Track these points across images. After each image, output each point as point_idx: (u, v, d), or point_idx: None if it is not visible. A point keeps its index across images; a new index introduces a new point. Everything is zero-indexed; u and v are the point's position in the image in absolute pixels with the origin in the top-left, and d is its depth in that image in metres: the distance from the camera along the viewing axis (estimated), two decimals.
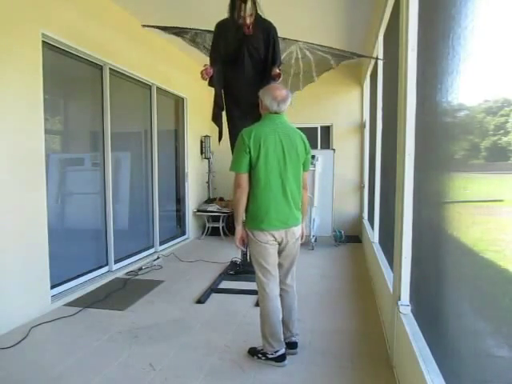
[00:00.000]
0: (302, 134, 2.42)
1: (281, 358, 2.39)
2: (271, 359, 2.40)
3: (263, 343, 2.44)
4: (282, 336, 2.42)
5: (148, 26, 3.76)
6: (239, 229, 2.39)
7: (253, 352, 2.50)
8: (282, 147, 2.29)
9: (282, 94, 2.32)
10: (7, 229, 2.91)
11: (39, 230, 3.21)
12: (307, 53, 3.80)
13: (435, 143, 1.91)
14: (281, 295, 2.47)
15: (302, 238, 2.54)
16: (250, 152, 2.25)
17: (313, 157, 5.83)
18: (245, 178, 2.28)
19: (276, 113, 2.34)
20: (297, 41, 3.66)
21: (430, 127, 1.98)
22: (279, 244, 2.38)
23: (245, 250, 2.45)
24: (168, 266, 4.75)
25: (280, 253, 2.42)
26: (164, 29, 3.72)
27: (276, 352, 2.38)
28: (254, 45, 3.24)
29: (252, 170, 2.28)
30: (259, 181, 2.27)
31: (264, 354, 2.43)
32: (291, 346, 2.53)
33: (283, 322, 2.49)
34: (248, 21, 3.17)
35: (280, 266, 2.46)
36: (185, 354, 2.56)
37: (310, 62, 3.95)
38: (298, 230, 2.42)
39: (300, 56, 3.85)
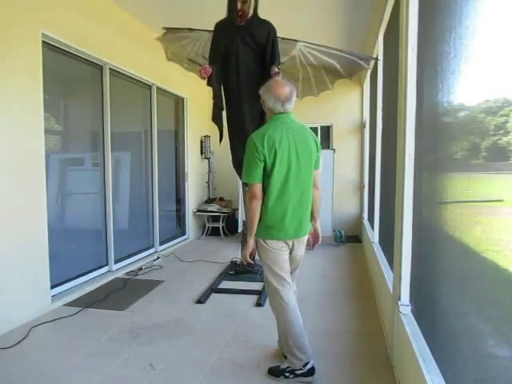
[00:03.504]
0: (311, 132, 2.25)
1: (310, 372, 2.20)
2: (301, 375, 2.20)
3: (289, 359, 2.23)
4: (309, 347, 2.23)
5: (166, 29, 3.64)
6: (252, 242, 2.20)
7: (277, 372, 2.25)
8: (296, 151, 2.11)
9: (284, 92, 2.11)
10: (7, 229, 2.91)
11: (39, 229, 3.21)
12: (309, 57, 3.75)
13: (435, 143, 1.91)
14: None
15: (317, 241, 2.44)
16: (264, 160, 2.07)
17: None
18: (260, 188, 2.11)
19: (282, 113, 2.15)
20: (296, 41, 3.61)
21: (430, 127, 1.98)
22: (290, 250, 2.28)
23: (253, 262, 2.34)
24: (168, 265, 4.75)
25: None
26: (175, 30, 3.65)
27: (305, 366, 2.19)
28: (249, 40, 3.21)
29: (266, 177, 2.10)
30: (275, 189, 2.10)
31: (292, 372, 2.21)
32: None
33: None
34: (239, 6, 3.10)
35: None
36: (185, 354, 2.55)
37: (317, 67, 3.89)
38: (306, 238, 2.34)
39: (304, 61, 3.81)
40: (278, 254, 2.20)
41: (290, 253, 2.27)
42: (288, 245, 2.22)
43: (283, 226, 2.15)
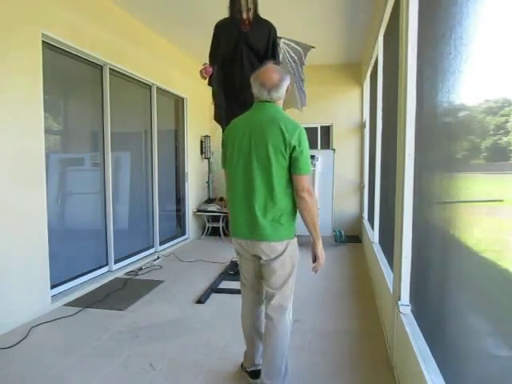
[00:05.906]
0: (286, 125, 1.82)
1: (251, 374, 2.20)
2: (246, 372, 2.24)
3: None
4: (254, 357, 2.19)
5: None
6: None
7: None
8: (249, 142, 1.85)
9: (272, 79, 1.86)
10: (7, 229, 2.91)
11: (39, 230, 3.21)
12: (287, 48, 3.94)
13: (435, 143, 1.91)
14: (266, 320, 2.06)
15: (317, 265, 1.96)
16: (224, 147, 2.03)
17: (312, 157, 5.84)
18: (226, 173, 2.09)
19: (262, 101, 1.92)
20: (280, 38, 3.70)
21: (430, 127, 1.98)
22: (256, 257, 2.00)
23: None
24: (168, 265, 4.75)
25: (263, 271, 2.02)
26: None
27: (249, 367, 2.23)
28: (253, 42, 3.24)
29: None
30: (228, 182, 2.03)
31: (243, 365, 2.31)
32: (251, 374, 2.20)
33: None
34: (245, 15, 3.18)
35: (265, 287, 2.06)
36: (185, 354, 2.55)
37: (294, 59, 4.05)
38: (270, 248, 1.89)
39: (287, 54, 3.94)
40: (238, 255, 2.12)
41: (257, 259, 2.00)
42: (243, 247, 1.98)
43: (235, 222, 1.99)
